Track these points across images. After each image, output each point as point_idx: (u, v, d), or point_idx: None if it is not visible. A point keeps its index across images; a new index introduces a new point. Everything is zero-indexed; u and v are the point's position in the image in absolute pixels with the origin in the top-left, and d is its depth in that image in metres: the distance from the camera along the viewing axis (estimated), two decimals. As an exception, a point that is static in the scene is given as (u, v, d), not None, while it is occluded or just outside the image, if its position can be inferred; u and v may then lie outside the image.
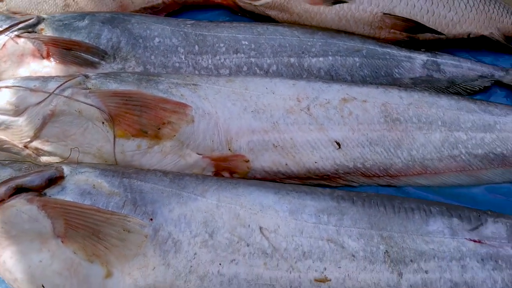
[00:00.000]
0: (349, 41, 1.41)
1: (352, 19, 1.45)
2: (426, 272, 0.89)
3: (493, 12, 1.50)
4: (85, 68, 1.21)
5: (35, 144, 1.03)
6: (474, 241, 0.93)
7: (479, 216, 0.97)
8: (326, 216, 0.92)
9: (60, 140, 1.03)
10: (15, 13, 1.35)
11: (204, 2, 1.63)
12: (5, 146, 1.04)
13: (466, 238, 0.93)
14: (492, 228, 0.95)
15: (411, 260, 0.89)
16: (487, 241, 0.93)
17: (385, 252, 0.89)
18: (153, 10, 1.53)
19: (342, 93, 1.18)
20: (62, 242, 0.84)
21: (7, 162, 0.95)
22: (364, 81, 1.33)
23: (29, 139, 1.03)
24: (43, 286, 0.83)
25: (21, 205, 0.85)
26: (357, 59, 1.37)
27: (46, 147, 1.03)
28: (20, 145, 1.04)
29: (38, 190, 0.87)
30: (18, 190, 0.87)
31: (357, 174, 1.12)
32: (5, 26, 1.21)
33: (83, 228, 0.83)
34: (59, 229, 0.84)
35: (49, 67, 1.20)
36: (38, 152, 1.04)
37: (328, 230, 0.90)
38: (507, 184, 1.15)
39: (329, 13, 1.46)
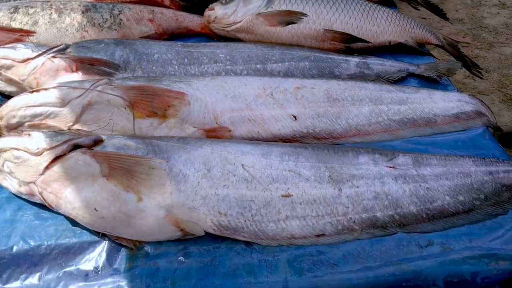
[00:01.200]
0: (300, 51, 1.86)
1: (301, 35, 1.92)
2: (357, 187, 1.30)
3: (407, 25, 1.99)
4: (105, 77, 1.62)
5: (76, 126, 1.43)
6: (390, 167, 1.35)
7: (393, 153, 1.40)
8: (287, 156, 1.33)
9: (95, 122, 1.43)
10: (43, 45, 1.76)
11: (187, 32, 2.10)
12: (54, 131, 1.43)
13: (384, 166, 1.35)
14: (402, 159, 1.38)
15: (347, 180, 1.31)
16: (398, 167, 1.35)
17: (328, 176, 1.30)
18: (147, 38, 1.98)
19: (296, 83, 1.62)
20: (107, 179, 1.22)
21: (64, 131, 1.35)
22: (311, 78, 1.77)
23: (72, 123, 1.43)
24: (95, 209, 1.21)
25: (77, 156, 1.24)
26: (307, 63, 1.82)
27: (84, 128, 1.43)
28: (65, 128, 1.43)
29: (88, 147, 1.27)
30: (74, 147, 1.26)
31: (309, 137, 1.54)
32: (43, 51, 1.63)
33: (121, 169, 1.22)
34: (104, 171, 1.22)
35: (78, 78, 1.61)
36: (79, 132, 1.43)
37: (289, 164, 1.31)
38: (416, 138, 1.58)
39: (284, 32, 1.93)
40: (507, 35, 4.62)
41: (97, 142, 1.29)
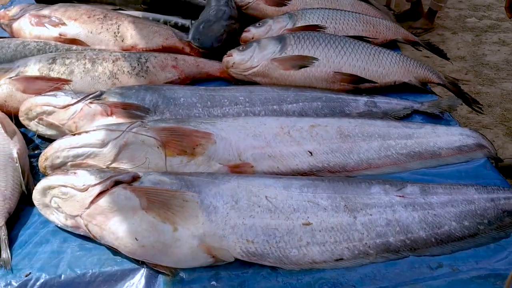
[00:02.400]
0: (313, 92, 2.03)
1: (313, 78, 2.09)
2: (371, 215, 1.43)
3: (410, 66, 2.16)
4: (137, 120, 1.78)
5: (114, 165, 1.59)
6: (399, 196, 1.48)
7: (402, 183, 1.54)
8: (306, 188, 1.47)
9: (130, 161, 1.59)
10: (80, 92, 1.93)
11: (207, 77, 2.27)
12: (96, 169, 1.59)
13: (394, 195, 1.49)
14: (411, 189, 1.51)
15: (361, 209, 1.44)
16: (407, 196, 1.49)
17: (344, 206, 1.44)
18: (172, 84, 2.15)
19: (310, 122, 1.77)
20: (146, 211, 1.36)
21: (105, 169, 1.50)
22: (324, 116, 1.93)
23: (110, 162, 1.59)
24: (136, 238, 1.35)
25: (119, 191, 1.39)
26: (319, 103, 1.98)
27: (121, 166, 1.58)
28: (104, 167, 1.59)
29: (128, 183, 1.42)
30: (116, 183, 1.41)
31: (324, 171, 1.69)
32: (81, 97, 1.80)
33: (158, 202, 1.36)
34: (143, 204, 1.37)
35: (113, 121, 1.77)
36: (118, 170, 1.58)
37: (308, 195, 1.45)
38: (422, 170, 1.72)
39: (297, 75, 2.10)
40: (508, 71, 4.79)
41: (135, 178, 1.44)
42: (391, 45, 2.54)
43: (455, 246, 1.42)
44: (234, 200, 1.41)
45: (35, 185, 1.64)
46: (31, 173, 1.74)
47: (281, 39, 2.18)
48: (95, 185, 1.40)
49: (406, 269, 1.36)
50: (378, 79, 2.12)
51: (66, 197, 1.43)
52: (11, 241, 1.50)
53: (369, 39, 2.32)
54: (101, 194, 1.39)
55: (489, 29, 5.67)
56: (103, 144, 1.59)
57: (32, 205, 1.57)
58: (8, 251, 1.45)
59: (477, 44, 5.37)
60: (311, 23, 2.39)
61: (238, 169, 1.62)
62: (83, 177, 1.43)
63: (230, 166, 1.62)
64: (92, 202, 1.39)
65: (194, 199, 1.38)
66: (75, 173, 1.46)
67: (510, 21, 5.77)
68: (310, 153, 1.69)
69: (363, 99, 2.02)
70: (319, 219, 1.41)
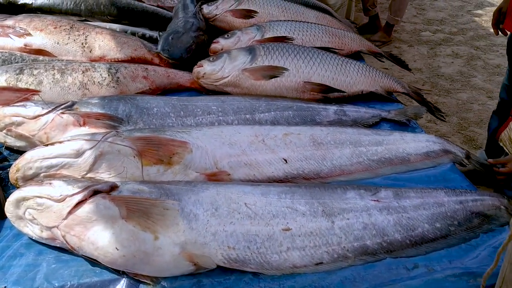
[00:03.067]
0: (284, 101, 2.06)
1: (284, 88, 2.14)
2: (348, 219, 1.47)
3: (376, 76, 2.23)
4: (110, 130, 1.76)
5: (90, 175, 1.56)
6: (374, 200, 1.53)
7: (376, 188, 1.58)
8: (284, 194, 1.49)
9: (106, 170, 1.57)
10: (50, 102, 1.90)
11: (178, 87, 2.28)
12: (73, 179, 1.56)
13: (369, 199, 1.53)
14: (384, 193, 1.56)
15: (338, 213, 1.47)
16: (381, 200, 1.53)
17: (322, 211, 1.47)
18: (143, 93, 2.14)
19: (283, 130, 1.81)
20: (126, 221, 1.35)
21: (84, 179, 1.48)
22: (296, 125, 1.97)
23: (85, 172, 1.56)
24: (116, 248, 1.33)
25: (98, 200, 1.37)
26: (290, 112, 2.02)
27: (97, 176, 1.56)
28: (79, 177, 1.56)
29: (106, 193, 1.40)
30: (94, 193, 1.39)
31: (299, 178, 1.72)
32: (52, 107, 1.77)
33: (138, 211, 1.35)
34: (123, 213, 1.35)
35: (86, 131, 1.75)
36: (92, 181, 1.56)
37: (286, 201, 1.47)
38: (393, 175, 1.78)
39: (268, 85, 2.13)
40: (462, 82, 5.01)
41: (113, 187, 1.43)
42: (355, 56, 2.62)
43: (429, 247, 1.47)
44: (214, 207, 1.42)
45: (5, 197, 1.61)
46: (0, 186, 1.69)
47: (251, 50, 2.22)
48: (73, 195, 1.38)
49: (384, 271, 1.40)
50: (346, 89, 2.18)
51: (41, 208, 1.40)
52: (-17, 258, 1.45)
53: (336, 50, 2.38)
54: (79, 204, 1.37)
55: (443, 42, 5.93)
56: (78, 154, 1.56)
57: (2, 218, 1.53)
58: (-20, 266, 1.40)
59: (432, 56, 5.59)
60: (279, 35, 2.44)
61: (215, 177, 1.63)
62: (60, 187, 1.41)
63: (207, 175, 1.63)
64: (70, 212, 1.36)
65: (174, 207, 1.38)
66: (50, 183, 1.43)
67: (462, 35, 6.05)
68: (285, 160, 1.72)
69: (332, 108, 2.07)
70: (298, 224, 1.43)
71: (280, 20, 2.61)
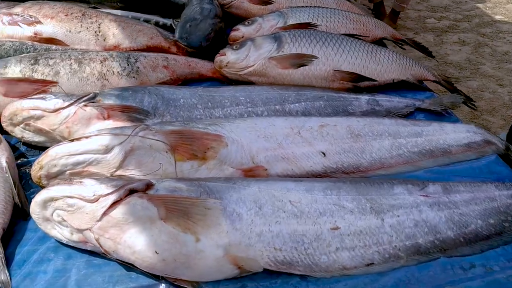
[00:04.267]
0: (314, 91, 1.97)
1: (312, 76, 2.03)
2: (398, 216, 1.38)
3: (407, 64, 2.14)
4: (135, 123, 1.66)
5: (119, 172, 1.46)
6: (423, 195, 1.44)
7: (423, 183, 1.49)
8: (329, 190, 1.40)
9: (137, 167, 1.47)
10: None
11: (199, 77, 2.17)
12: (96, 177, 1.46)
13: (418, 195, 1.44)
14: (433, 188, 1.47)
15: (388, 210, 1.38)
16: (431, 195, 1.44)
17: (370, 207, 1.38)
18: (164, 83, 2.03)
19: (319, 121, 1.71)
20: (165, 222, 1.25)
21: (116, 177, 1.38)
22: (331, 116, 1.86)
23: (115, 169, 1.46)
24: (156, 251, 1.24)
25: (135, 200, 1.27)
26: (321, 102, 1.92)
27: (127, 173, 1.46)
28: (108, 174, 1.46)
29: (143, 191, 1.30)
30: (130, 192, 1.29)
31: (339, 172, 1.62)
32: (73, 100, 1.66)
33: (178, 211, 1.26)
34: (162, 213, 1.25)
35: (110, 125, 1.64)
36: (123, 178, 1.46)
37: (333, 198, 1.38)
38: (436, 168, 1.69)
39: (296, 74, 2.03)
40: (471, 70, 4.93)
41: (149, 186, 1.33)
42: (379, 43, 2.51)
43: (484, 245, 1.38)
44: (257, 206, 1.32)
45: (26, 196, 1.51)
46: (20, 184, 1.58)
47: (276, 37, 2.11)
48: (107, 194, 1.28)
49: (440, 272, 1.31)
50: (377, 77, 2.08)
51: (72, 210, 1.30)
52: (7, 261, 1.35)
53: (361, 37, 2.28)
54: (114, 204, 1.27)
55: (449, 29, 5.83)
56: (107, 150, 1.46)
57: (26, 219, 1.43)
58: (6, 271, 1.30)
59: (439, 44, 5.50)
60: (303, 21, 2.33)
61: (252, 173, 1.54)
62: (92, 187, 1.30)
63: (244, 170, 1.53)
64: (104, 213, 1.26)
65: (216, 206, 1.29)
66: (81, 182, 1.33)
67: (467, 22, 5.96)
68: (323, 153, 1.62)
69: (364, 98, 1.98)
70: (346, 222, 1.34)
71: (302, 6, 2.50)
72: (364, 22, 2.45)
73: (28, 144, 1.76)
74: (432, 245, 1.36)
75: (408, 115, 1.95)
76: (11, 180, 1.49)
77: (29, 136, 1.71)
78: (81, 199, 1.29)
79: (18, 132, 1.72)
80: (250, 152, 1.55)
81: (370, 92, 2.03)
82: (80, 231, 1.30)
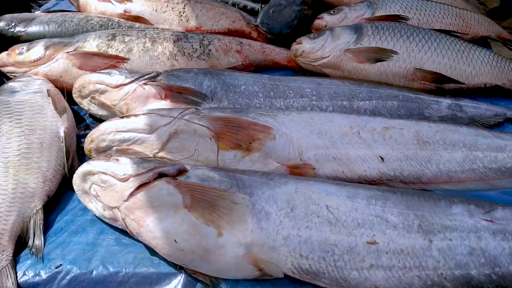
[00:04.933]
0: (388, 89, 1.80)
1: (390, 73, 1.86)
2: (450, 240, 1.20)
3: (504, 67, 1.88)
4: (192, 106, 1.63)
5: (161, 154, 1.44)
6: (487, 220, 1.24)
7: (491, 205, 1.29)
8: (374, 200, 1.26)
9: (179, 151, 1.44)
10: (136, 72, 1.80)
11: (273, 65, 2.09)
12: (139, 155, 1.45)
13: (481, 218, 1.24)
14: (502, 213, 1.26)
15: (439, 231, 1.21)
16: (497, 221, 1.24)
17: (418, 225, 1.22)
18: (234, 70, 1.98)
19: (384, 123, 1.55)
20: (189, 211, 1.20)
21: (150, 158, 1.36)
22: (400, 118, 1.69)
23: (157, 151, 1.45)
24: (175, 240, 1.20)
25: (162, 185, 1.24)
26: (395, 102, 1.75)
27: (169, 156, 1.44)
28: (151, 155, 1.45)
29: (172, 177, 1.26)
30: (159, 176, 1.26)
31: (396, 181, 1.47)
32: (135, 77, 1.67)
33: (203, 201, 1.20)
34: (187, 202, 1.21)
35: (166, 105, 1.63)
36: (163, 159, 1.44)
37: (376, 209, 1.24)
38: (515, 190, 1.46)
39: (372, 69, 1.87)
40: None
41: (182, 172, 1.29)
42: (481, 42, 2.24)
43: (555, 290, 1.16)
44: (289, 206, 1.23)
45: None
46: (78, 154, 1.63)
47: (357, 28, 1.96)
48: (136, 175, 1.26)
49: (491, 312, 1.12)
50: (466, 80, 1.85)
51: (105, 186, 1.30)
52: (47, 226, 1.40)
53: (458, 34, 2.04)
54: (141, 186, 1.25)
55: None
56: (152, 130, 1.45)
57: (72, 189, 1.46)
58: (42, 238, 1.34)
59: None
60: (392, 13, 2.14)
61: (298, 170, 1.44)
62: (125, 166, 1.30)
63: (289, 166, 1.44)
64: (131, 194, 1.25)
65: (244, 202, 1.21)
66: (117, 160, 1.33)
67: None
68: (381, 158, 1.47)
69: (446, 102, 1.77)
70: (387, 238, 1.20)
71: (395, -3, 2.31)
72: (465, 17, 2.20)
73: (93, 117, 1.81)
74: (487, 279, 1.17)
75: (495, 126, 1.71)
76: (65, 150, 1.53)
77: (94, 109, 1.77)
78: (113, 176, 1.29)
79: (85, 104, 1.78)
80: (299, 147, 1.45)
81: (455, 95, 1.81)
82: (110, 208, 1.30)
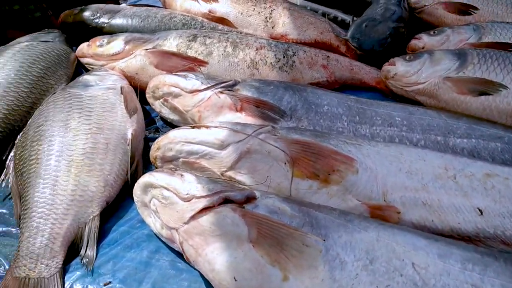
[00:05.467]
0: (492, 128, 1.57)
1: (495, 110, 1.63)
2: None
3: None
4: (268, 122, 1.49)
5: (230, 173, 1.31)
6: None
7: None
8: (471, 265, 1.06)
9: (249, 172, 1.30)
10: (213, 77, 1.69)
11: (360, 85, 1.91)
12: (206, 172, 1.33)
13: None
14: None
15: (550, 316, 1.00)
16: None
17: (525, 305, 1.01)
18: (317, 86, 1.82)
19: (485, 169, 1.34)
20: (253, 246, 1.06)
21: (217, 179, 1.23)
22: (505, 164, 1.46)
23: (225, 169, 1.32)
24: (234, 278, 1.06)
25: (227, 212, 1.10)
26: (499, 144, 1.52)
27: (238, 177, 1.30)
28: (218, 173, 1.32)
29: (239, 204, 1.13)
30: (225, 201, 1.13)
31: (496, 240, 1.25)
32: (211, 84, 1.56)
33: (271, 238, 1.06)
34: (252, 236, 1.07)
35: (241, 118, 1.50)
36: (231, 179, 1.31)
37: (473, 276, 1.04)
38: None
39: (474, 103, 1.65)
40: None
41: (250, 199, 1.15)
42: None
43: None
44: (369, 258, 1.05)
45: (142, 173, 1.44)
46: (144, 159, 1.53)
47: (460, 54, 1.75)
48: (200, 197, 1.14)
49: None
50: None
51: (166, 203, 1.19)
52: (102, 235, 1.31)
53: None
54: (205, 210, 1.12)
55: None
56: (223, 146, 1.32)
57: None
58: (95, 248, 1.26)
59: None
60: (502, 40, 1.90)
61: (380, 212, 1.26)
62: (189, 184, 1.17)
63: (371, 206, 1.26)
64: (193, 217, 1.12)
65: (317, 245, 1.05)
66: (181, 175, 1.21)
67: None
68: (480, 211, 1.26)
69: (562, 150, 1.52)
70: (484, 315, 1.00)
71: (506, 22, 2.05)
72: None
73: (164, 120, 1.72)
74: None
75: None
76: (129, 154, 1.44)
77: (166, 113, 1.67)
78: (175, 194, 1.17)
79: (157, 106, 1.69)
80: (383, 186, 1.27)
81: None
82: (168, 228, 1.19)
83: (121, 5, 2.33)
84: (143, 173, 1.45)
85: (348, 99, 1.62)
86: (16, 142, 1.53)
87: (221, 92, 1.54)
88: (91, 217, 1.30)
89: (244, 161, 1.31)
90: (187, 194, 1.15)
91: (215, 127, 1.35)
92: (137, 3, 2.64)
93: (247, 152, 1.30)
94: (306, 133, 1.36)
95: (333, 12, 2.38)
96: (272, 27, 2.13)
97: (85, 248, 1.25)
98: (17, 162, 1.44)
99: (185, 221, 1.13)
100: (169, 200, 1.18)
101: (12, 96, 1.63)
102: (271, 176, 1.28)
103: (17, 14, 2.82)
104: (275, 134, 1.32)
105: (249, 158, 1.30)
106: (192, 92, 1.57)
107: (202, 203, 1.12)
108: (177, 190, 1.17)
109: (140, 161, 1.50)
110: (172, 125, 1.69)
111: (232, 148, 1.31)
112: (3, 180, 1.47)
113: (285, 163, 1.28)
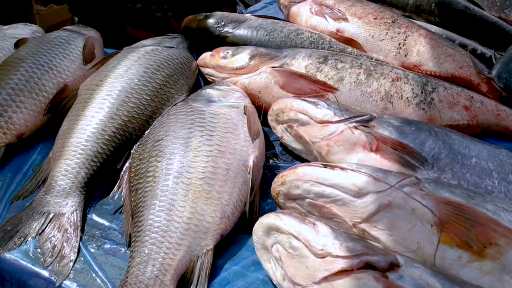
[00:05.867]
0: None
1: None
2: None
3: None
4: (405, 169, 1.32)
5: (363, 226, 1.15)
6: None
7: None
8: None
9: (387, 229, 1.13)
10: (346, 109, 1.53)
11: (506, 132, 1.68)
12: (335, 219, 1.18)
13: None
14: None
15: None
16: None
17: None
18: (456, 129, 1.61)
19: None
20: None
21: (355, 236, 1.08)
22: None
23: (359, 220, 1.16)
24: None
25: (368, 280, 0.95)
26: None
27: (372, 232, 1.14)
28: (350, 223, 1.17)
29: (382, 270, 0.97)
30: (366, 266, 0.97)
31: None
32: (345, 117, 1.41)
33: (418, 320, 0.89)
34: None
35: (375, 160, 1.34)
36: (363, 234, 1.15)
37: None
38: None
39: None
40: None
41: (393, 266, 0.98)
42: None
43: None
44: None
45: (260, 206, 1.33)
46: (261, 189, 1.42)
47: None
48: (337, 257, 0.99)
49: None
50: None
51: (293, 253, 1.05)
52: (213, 272, 1.19)
53: None
54: (341, 272, 0.97)
55: None
56: (359, 194, 1.16)
57: (250, 232, 1.24)
58: (206, 286, 1.14)
59: None
60: None
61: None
62: (325, 238, 1.03)
63: (531, 293, 1.05)
64: (325, 278, 0.98)
65: None
66: (314, 225, 1.07)
67: None
68: None
69: None
70: None
71: None
72: None
73: (284, 147, 1.60)
74: None
75: None
76: (250, 183, 1.32)
77: (288, 140, 1.55)
78: (307, 246, 1.03)
79: (279, 130, 1.57)
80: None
81: None
82: (292, 282, 1.05)
83: (246, 15, 2.25)
84: (260, 206, 1.35)
85: (499, 153, 1.40)
86: (132, 152, 1.47)
87: (356, 128, 1.39)
88: (205, 250, 1.19)
89: (383, 215, 1.14)
90: (321, 250, 1.01)
91: (352, 170, 1.19)
92: (258, 12, 2.57)
93: (388, 206, 1.14)
94: (456, 191, 1.17)
95: (472, 44, 2.15)
96: (405, 55, 1.95)
97: (195, 285, 1.14)
98: (132, 175, 1.37)
99: (315, 281, 0.99)
100: (298, 252, 1.04)
101: (133, 102, 1.58)
102: (413, 237, 1.11)
103: (139, 12, 2.84)
104: (422, 189, 1.14)
105: (389, 213, 1.14)
106: (322, 122, 1.43)
107: (339, 265, 0.97)
108: (309, 243, 1.03)
109: (258, 192, 1.38)
110: (293, 154, 1.56)
111: (371, 198, 1.15)
112: (115, 192, 1.41)
113: (431, 225, 1.10)
